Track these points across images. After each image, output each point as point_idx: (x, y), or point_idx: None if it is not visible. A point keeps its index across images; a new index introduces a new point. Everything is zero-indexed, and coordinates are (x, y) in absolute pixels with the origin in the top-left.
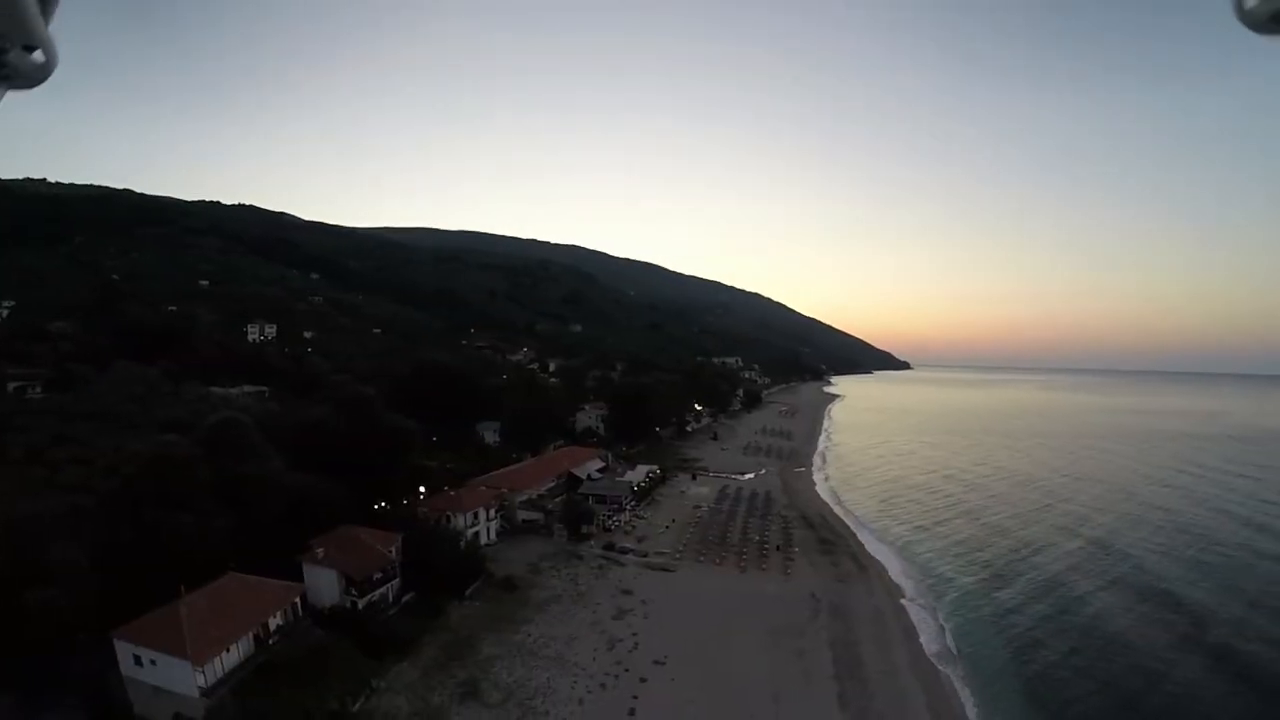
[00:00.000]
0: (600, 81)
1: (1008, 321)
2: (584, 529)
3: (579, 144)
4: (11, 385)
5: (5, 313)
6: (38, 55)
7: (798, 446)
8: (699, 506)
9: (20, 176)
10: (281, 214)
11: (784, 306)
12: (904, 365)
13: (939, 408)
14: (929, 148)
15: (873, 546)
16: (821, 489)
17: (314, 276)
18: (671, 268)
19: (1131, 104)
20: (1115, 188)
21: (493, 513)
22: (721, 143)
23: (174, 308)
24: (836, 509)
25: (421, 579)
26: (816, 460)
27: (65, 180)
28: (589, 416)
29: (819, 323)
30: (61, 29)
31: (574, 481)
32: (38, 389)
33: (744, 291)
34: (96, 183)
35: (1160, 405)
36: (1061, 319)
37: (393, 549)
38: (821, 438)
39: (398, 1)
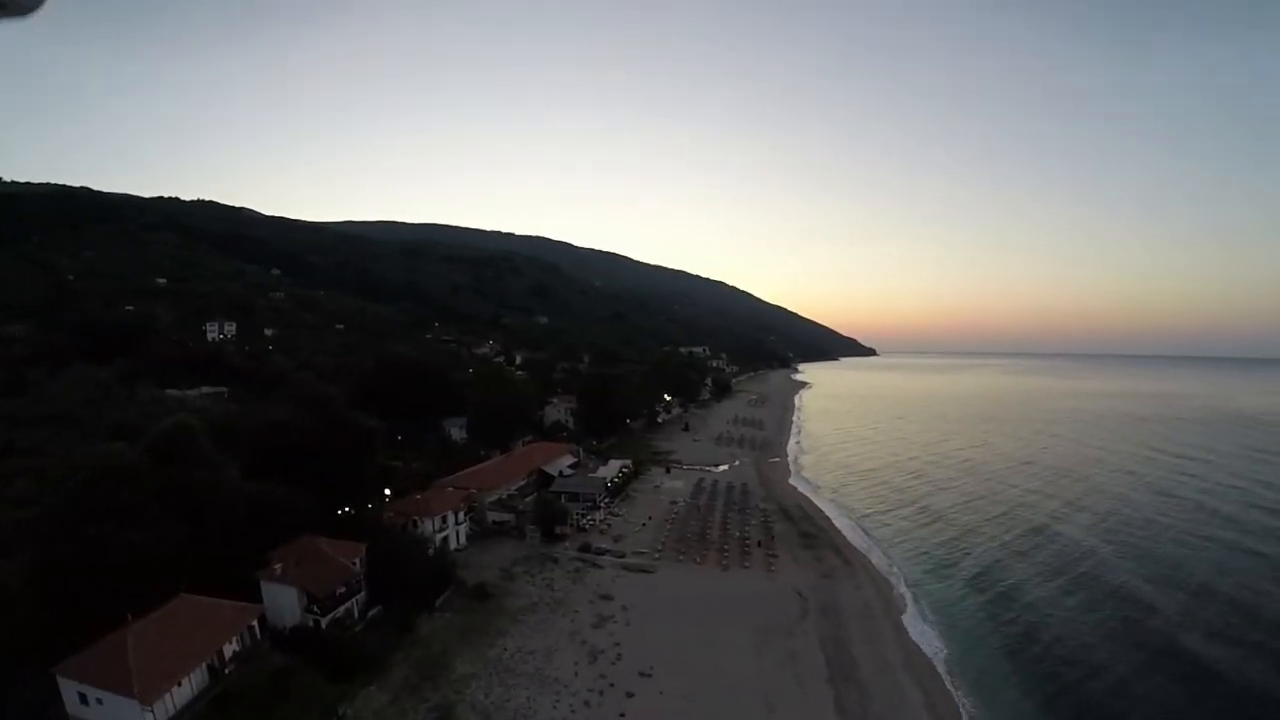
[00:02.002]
0: (565, 74)
1: (971, 308)
2: (558, 530)
3: (545, 136)
4: None
5: None
6: None
7: (770, 436)
8: (675, 501)
9: None
10: (242, 209)
11: (749, 295)
12: (870, 352)
13: (907, 394)
14: (896, 145)
15: (854, 537)
16: (797, 479)
17: (275, 272)
18: (637, 257)
19: (1114, 109)
20: (1078, 185)
21: (461, 515)
22: (689, 136)
23: (131, 307)
24: (815, 500)
25: (389, 590)
26: (790, 449)
27: (21, 179)
28: (558, 410)
29: (784, 310)
30: None
31: (545, 479)
32: None
33: (708, 280)
34: (53, 180)
35: (1122, 388)
36: (1024, 306)
37: (356, 560)
38: (793, 426)
39: None
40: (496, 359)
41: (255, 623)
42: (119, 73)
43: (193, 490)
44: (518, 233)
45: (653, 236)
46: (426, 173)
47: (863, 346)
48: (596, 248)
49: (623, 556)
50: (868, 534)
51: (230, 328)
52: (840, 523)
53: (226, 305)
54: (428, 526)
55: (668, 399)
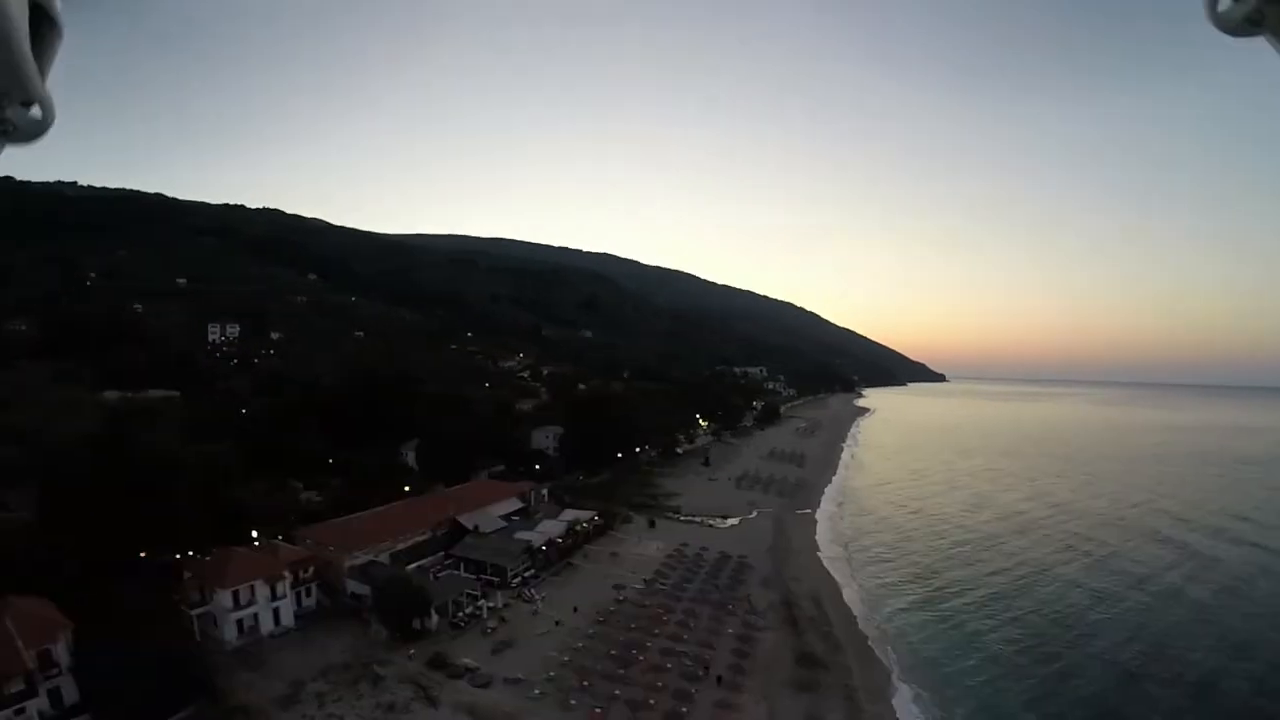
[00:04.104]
0: (643, 92)
1: (1041, 332)
2: (417, 623)
3: (624, 155)
4: None
5: None
6: (35, 111)
7: (808, 476)
8: (622, 587)
9: (52, 180)
10: (296, 216)
11: (817, 317)
12: (940, 377)
13: (982, 426)
14: (951, 161)
15: (888, 659)
16: (826, 547)
17: (312, 277)
18: (705, 276)
19: (1165, 111)
20: (1145, 196)
21: (284, 588)
22: (764, 155)
23: (139, 306)
24: (841, 584)
25: (112, 691)
26: (828, 497)
27: (98, 184)
28: (545, 436)
29: (854, 334)
30: (58, 87)
31: (457, 533)
32: None
33: (777, 301)
34: (128, 186)
35: (1230, 421)
36: (1096, 331)
37: (57, 643)
38: (841, 464)
39: (439, 8)
40: (522, 373)
41: None
42: (209, 77)
43: None
44: (584, 249)
45: (723, 256)
46: (506, 179)
47: (932, 371)
48: (664, 265)
49: (485, 686)
50: (912, 655)
51: (233, 329)
52: (870, 631)
53: (239, 307)
54: (222, 601)
55: (702, 423)
